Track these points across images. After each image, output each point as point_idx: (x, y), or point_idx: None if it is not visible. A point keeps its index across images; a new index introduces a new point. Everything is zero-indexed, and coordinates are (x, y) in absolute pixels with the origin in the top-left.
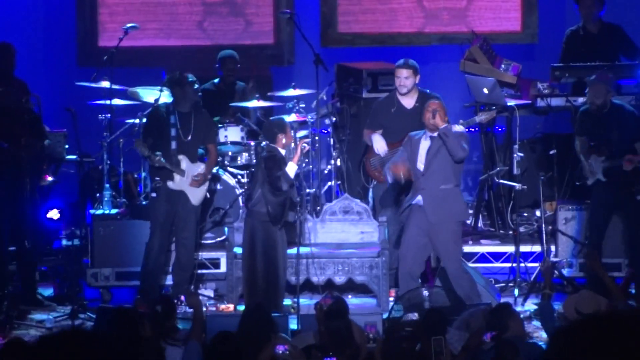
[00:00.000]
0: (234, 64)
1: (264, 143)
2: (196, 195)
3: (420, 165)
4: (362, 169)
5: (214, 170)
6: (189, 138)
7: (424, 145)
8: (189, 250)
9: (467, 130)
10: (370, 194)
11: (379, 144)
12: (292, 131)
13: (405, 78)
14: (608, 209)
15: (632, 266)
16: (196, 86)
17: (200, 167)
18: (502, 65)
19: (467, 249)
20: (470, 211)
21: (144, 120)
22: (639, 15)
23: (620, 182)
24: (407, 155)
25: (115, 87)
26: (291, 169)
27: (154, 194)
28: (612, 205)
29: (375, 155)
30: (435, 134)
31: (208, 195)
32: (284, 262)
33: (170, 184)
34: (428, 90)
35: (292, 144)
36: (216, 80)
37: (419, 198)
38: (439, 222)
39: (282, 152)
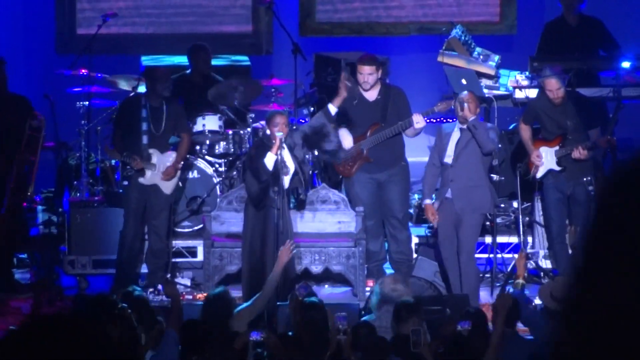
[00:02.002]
0: (207, 54)
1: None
2: (168, 185)
3: (449, 158)
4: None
5: (188, 157)
6: (161, 131)
7: (454, 137)
8: (162, 238)
9: (428, 120)
10: (343, 187)
11: (345, 139)
12: (280, 123)
13: (368, 74)
14: (564, 201)
15: (557, 258)
16: (167, 79)
17: (171, 157)
18: (480, 57)
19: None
20: None
21: (115, 113)
22: (619, 10)
23: (573, 171)
24: (437, 148)
25: (93, 74)
26: (269, 159)
27: (126, 182)
28: (566, 196)
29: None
30: (465, 126)
31: (180, 184)
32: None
33: (141, 179)
34: (388, 82)
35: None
36: (188, 72)
37: (448, 190)
38: (462, 213)
39: (274, 142)
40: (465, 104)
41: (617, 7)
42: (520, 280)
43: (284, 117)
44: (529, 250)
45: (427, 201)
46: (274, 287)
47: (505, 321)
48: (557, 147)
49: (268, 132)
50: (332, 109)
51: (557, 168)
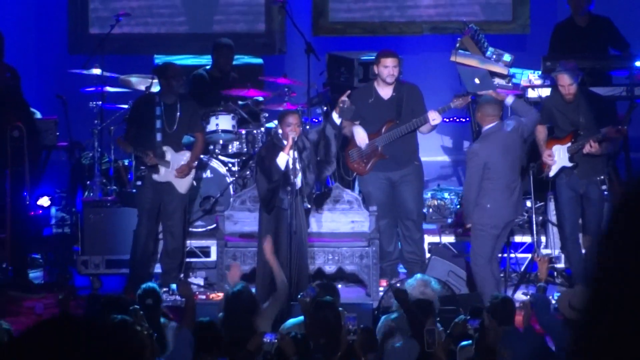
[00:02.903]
0: (231, 52)
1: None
2: (182, 184)
3: None
4: (341, 161)
5: (201, 158)
6: (174, 129)
7: None
8: (176, 238)
9: (445, 118)
10: (357, 186)
11: (360, 136)
12: (293, 123)
13: (393, 67)
14: (577, 200)
15: (570, 258)
16: (181, 77)
17: (185, 156)
18: (493, 56)
19: (457, 239)
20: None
21: (129, 111)
22: (627, 8)
23: (586, 170)
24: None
25: (106, 74)
26: (281, 159)
27: (139, 182)
28: (578, 194)
29: (354, 147)
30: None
31: (195, 183)
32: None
33: (155, 176)
34: (404, 80)
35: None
36: (208, 67)
37: None
38: None
39: (285, 142)
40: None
41: (626, 5)
42: (542, 284)
43: (297, 117)
44: (546, 251)
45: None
46: (285, 284)
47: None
48: (569, 144)
49: (280, 131)
50: (336, 117)
51: (569, 164)
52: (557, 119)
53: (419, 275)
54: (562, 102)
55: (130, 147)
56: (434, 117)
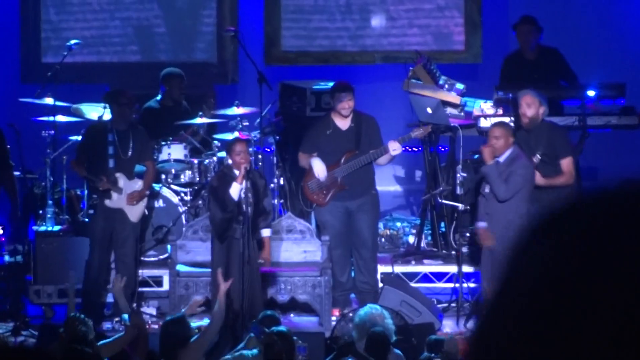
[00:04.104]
0: (182, 82)
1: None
2: (134, 213)
3: (485, 190)
4: (300, 192)
5: (154, 186)
6: (127, 155)
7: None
8: (128, 267)
9: (404, 148)
10: (313, 216)
11: (319, 168)
12: (242, 151)
13: (349, 100)
14: None
15: None
16: (133, 104)
17: (137, 184)
18: (446, 85)
19: (409, 269)
20: (413, 231)
21: (80, 137)
22: (577, 39)
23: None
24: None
25: (59, 103)
26: (234, 189)
27: (91, 211)
28: None
29: (313, 179)
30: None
31: (147, 212)
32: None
33: (107, 202)
34: (361, 111)
35: (240, 164)
36: (158, 98)
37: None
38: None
39: (237, 171)
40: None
41: (574, 36)
42: None
43: (244, 145)
44: None
45: (480, 224)
46: (222, 316)
47: None
48: None
49: (230, 161)
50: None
51: None
52: (521, 147)
53: (373, 307)
54: (522, 131)
55: (84, 170)
56: (395, 148)
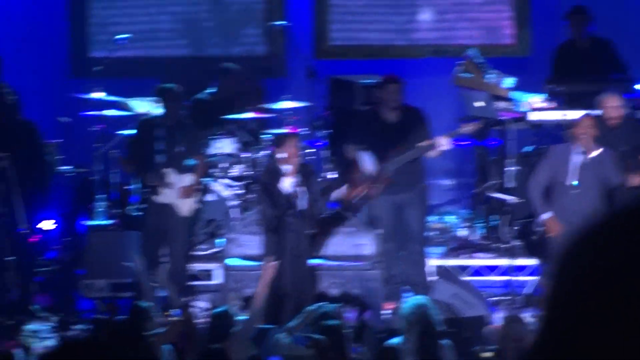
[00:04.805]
0: (237, 77)
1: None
2: (185, 207)
3: (572, 181)
4: (348, 186)
5: (204, 181)
6: (177, 150)
7: (576, 160)
8: (179, 260)
9: (452, 143)
10: (364, 210)
11: (367, 161)
12: (291, 145)
13: (397, 92)
14: None
15: None
16: (182, 100)
17: (187, 178)
18: (495, 79)
19: (460, 262)
20: (464, 225)
21: (130, 133)
22: (627, 30)
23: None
24: (551, 168)
25: (108, 98)
26: (285, 183)
27: (142, 205)
28: None
29: (361, 172)
30: (589, 155)
31: (197, 206)
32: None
33: (157, 197)
34: (409, 104)
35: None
36: (211, 91)
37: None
38: None
39: (287, 165)
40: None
41: (625, 27)
42: None
43: (295, 139)
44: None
45: (547, 214)
46: (260, 308)
47: None
48: None
49: (280, 155)
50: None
51: None
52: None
53: (418, 298)
54: (604, 129)
55: (133, 167)
56: (443, 143)
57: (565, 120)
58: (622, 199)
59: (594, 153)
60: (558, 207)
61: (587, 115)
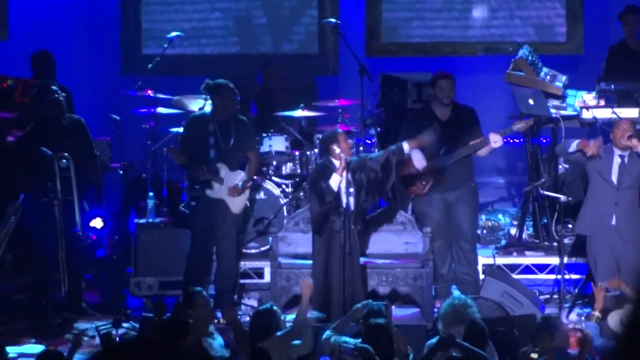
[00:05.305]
0: (277, 71)
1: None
2: (236, 204)
3: (613, 180)
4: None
5: (255, 178)
6: (229, 146)
7: (616, 160)
8: (229, 259)
9: (504, 140)
10: (411, 207)
11: (418, 158)
12: (342, 141)
13: (450, 88)
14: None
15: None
16: (235, 96)
17: (239, 175)
18: (547, 77)
19: (511, 260)
20: (515, 223)
21: (181, 129)
22: None
23: None
24: (595, 165)
25: (159, 95)
26: (334, 180)
27: (193, 203)
28: None
29: (412, 169)
30: (626, 153)
31: (248, 203)
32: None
33: (209, 192)
34: (462, 103)
35: (342, 156)
36: (257, 89)
37: (613, 217)
38: (628, 240)
39: (337, 163)
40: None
41: None
42: (596, 313)
43: (345, 136)
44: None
45: (577, 141)
46: (305, 317)
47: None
48: None
49: (337, 150)
50: (406, 147)
51: None
52: None
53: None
54: None
55: (184, 158)
56: (496, 140)
57: (616, 119)
58: None
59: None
60: (599, 206)
61: (625, 119)
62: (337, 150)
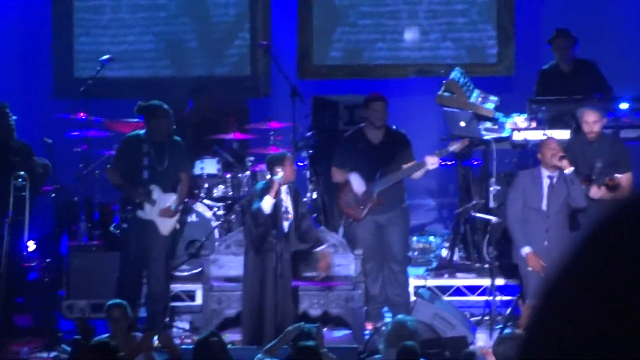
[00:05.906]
0: (210, 96)
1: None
2: (166, 226)
3: (544, 206)
4: (335, 207)
5: (186, 201)
6: (163, 167)
7: (545, 183)
8: (160, 281)
9: (441, 161)
10: (341, 230)
11: (357, 182)
12: (286, 165)
13: (382, 110)
14: None
15: None
16: (170, 117)
17: (172, 198)
18: (479, 98)
19: (442, 282)
20: (446, 244)
21: (116, 149)
22: (611, 51)
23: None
24: (522, 194)
25: (91, 118)
26: (266, 202)
27: (124, 225)
28: None
29: (349, 193)
30: (555, 174)
31: (178, 226)
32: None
33: (140, 213)
34: (394, 126)
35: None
36: (186, 111)
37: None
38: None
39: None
40: (560, 155)
41: (608, 47)
42: (520, 330)
43: (291, 160)
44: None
45: (527, 249)
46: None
47: None
48: (584, 186)
49: (280, 173)
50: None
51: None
52: (577, 161)
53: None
54: (584, 142)
55: (119, 178)
56: (433, 162)
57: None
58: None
59: (567, 171)
60: (532, 231)
61: (550, 138)
62: (279, 174)
